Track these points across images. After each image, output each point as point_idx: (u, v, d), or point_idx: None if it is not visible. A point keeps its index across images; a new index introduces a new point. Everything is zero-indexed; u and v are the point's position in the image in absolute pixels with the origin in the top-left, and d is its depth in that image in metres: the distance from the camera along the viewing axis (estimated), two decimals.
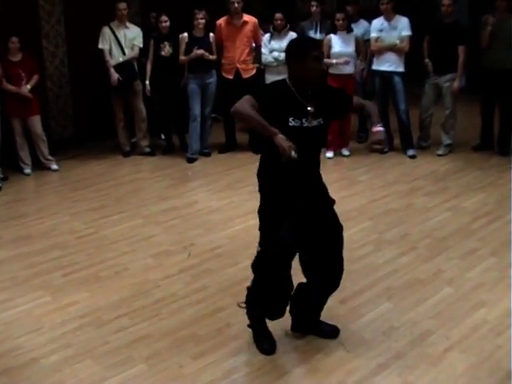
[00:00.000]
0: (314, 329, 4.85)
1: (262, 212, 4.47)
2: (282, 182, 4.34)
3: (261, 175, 4.46)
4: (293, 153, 3.97)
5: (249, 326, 4.81)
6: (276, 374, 4.42)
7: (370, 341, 4.76)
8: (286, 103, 4.25)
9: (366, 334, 4.85)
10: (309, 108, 4.25)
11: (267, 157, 4.37)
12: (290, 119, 4.21)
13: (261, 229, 4.48)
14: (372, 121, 4.54)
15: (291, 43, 4.46)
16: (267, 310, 4.70)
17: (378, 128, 4.50)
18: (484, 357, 4.58)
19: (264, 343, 4.71)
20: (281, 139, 4.00)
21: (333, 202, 4.53)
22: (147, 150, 9.80)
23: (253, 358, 4.59)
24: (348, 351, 4.65)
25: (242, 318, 4.98)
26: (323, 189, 4.52)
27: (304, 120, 4.24)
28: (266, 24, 9.78)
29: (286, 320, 4.90)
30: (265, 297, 4.59)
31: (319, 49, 4.47)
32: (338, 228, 4.53)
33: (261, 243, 4.49)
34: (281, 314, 4.72)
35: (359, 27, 9.70)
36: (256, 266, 4.54)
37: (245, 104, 4.14)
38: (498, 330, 4.90)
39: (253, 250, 6.25)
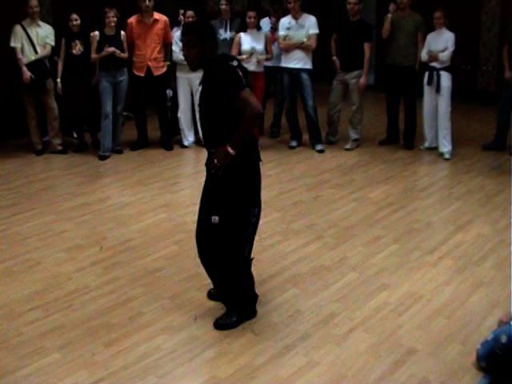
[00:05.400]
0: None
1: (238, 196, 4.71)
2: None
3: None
4: None
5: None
6: (186, 358, 4.55)
7: (277, 324, 4.94)
8: None
9: (274, 317, 5.02)
10: None
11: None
12: None
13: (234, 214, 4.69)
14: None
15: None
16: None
17: None
18: (385, 336, 4.82)
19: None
20: None
21: None
22: (59, 148, 9.77)
23: (163, 344, 4.70)
24: (256, 334, 4.82)
25: (153, 307, 5.14)
26: None
27: None
28: (177, 22, 9.88)
29: (197, 308, 5.09)
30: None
31: None
32: None
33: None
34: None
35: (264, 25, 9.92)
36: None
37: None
38: (398, 311, 5.16)
39: (163, 241, 6.42)
